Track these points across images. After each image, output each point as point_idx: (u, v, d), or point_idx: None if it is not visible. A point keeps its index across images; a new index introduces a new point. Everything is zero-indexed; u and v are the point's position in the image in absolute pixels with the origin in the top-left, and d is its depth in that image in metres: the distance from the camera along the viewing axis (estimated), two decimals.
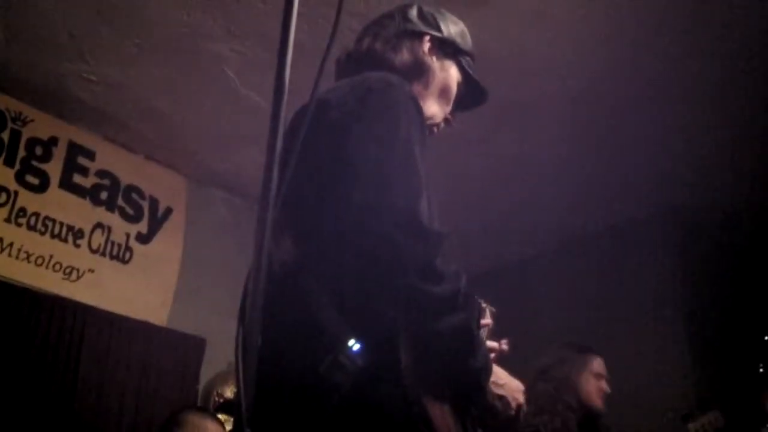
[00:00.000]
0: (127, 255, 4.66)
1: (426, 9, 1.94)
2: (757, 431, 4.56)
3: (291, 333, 1.36)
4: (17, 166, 4.27)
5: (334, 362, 1.28)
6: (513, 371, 1.60)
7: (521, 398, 1.56)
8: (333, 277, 1.38)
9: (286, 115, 1.08)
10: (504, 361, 1.83)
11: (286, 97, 1.07)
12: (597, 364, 3.35)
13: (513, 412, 1.54)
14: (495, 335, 1.95)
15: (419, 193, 1.42)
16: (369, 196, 1.37)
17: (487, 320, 1.93)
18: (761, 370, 4.97)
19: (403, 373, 1.31)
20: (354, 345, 1.29)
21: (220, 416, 3.56)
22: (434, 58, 1.86)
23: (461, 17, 2.00)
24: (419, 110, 1.59)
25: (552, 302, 5.31)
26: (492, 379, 1.52)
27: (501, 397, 1.52)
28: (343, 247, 1.37)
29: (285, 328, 1.35)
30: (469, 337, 1.41)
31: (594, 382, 3.29)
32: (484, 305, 1.97)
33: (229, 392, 4.33)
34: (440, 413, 1.36)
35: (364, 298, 1.35)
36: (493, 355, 1.76)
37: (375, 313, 1.34)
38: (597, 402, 3.26)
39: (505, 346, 1.72)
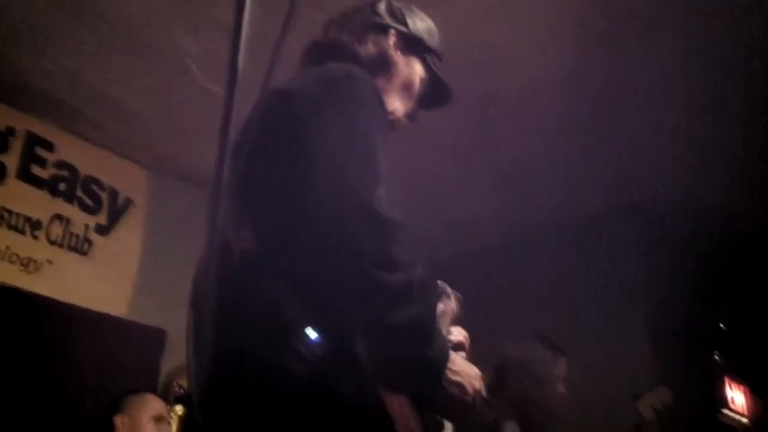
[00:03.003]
0: (86, 246, 4.62)
1: (395, 4, 1.94)
2: (712, 416, 4.67)
3: (249, 321, 1.36)
4: None
5: (292, 351, 1.28)
6: (480, 359, 1.61)
7: (478, 385, 1.55)
8: (291, 264, 1.38)
9: (239, 104, 1.08)
10: (472, 347, 1.84)
11: (238, 84, 1.07)
12: (565, 367, 3.33)
13: (470, 399, 1.53)
14: (460, 322, 1.97)
15: (377, 183, 1.42)
16: (326, 183, 1.37)
17: (452, 305, 1.94)
18: (716, 357, 5.08)
19: (361, 364, 1.31)
20: (312, 334, 1.29)
21: (179, 407, 3.55)
22: (399, 53, 1.87)
23: (428, 10, 2.00)
24: (382, 103, 1.60)
25: (517, 292, 5.35)
26: (447, 365, 1.53)
27: (457, 384, 1.51)
28: (300, 234, 1.37)
29: (243, 317, 1.35)
30: (424, 328, 1.39)
31: (562, 386, 3.29)
32: (449, 291, 1.99)
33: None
34: (398, 404, 1.36)
35: (320, 286, 1.34)
36: (456, 343, 1.77)
37: (332, 301, 1.33)
38: (559, 406, 3.26)
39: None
